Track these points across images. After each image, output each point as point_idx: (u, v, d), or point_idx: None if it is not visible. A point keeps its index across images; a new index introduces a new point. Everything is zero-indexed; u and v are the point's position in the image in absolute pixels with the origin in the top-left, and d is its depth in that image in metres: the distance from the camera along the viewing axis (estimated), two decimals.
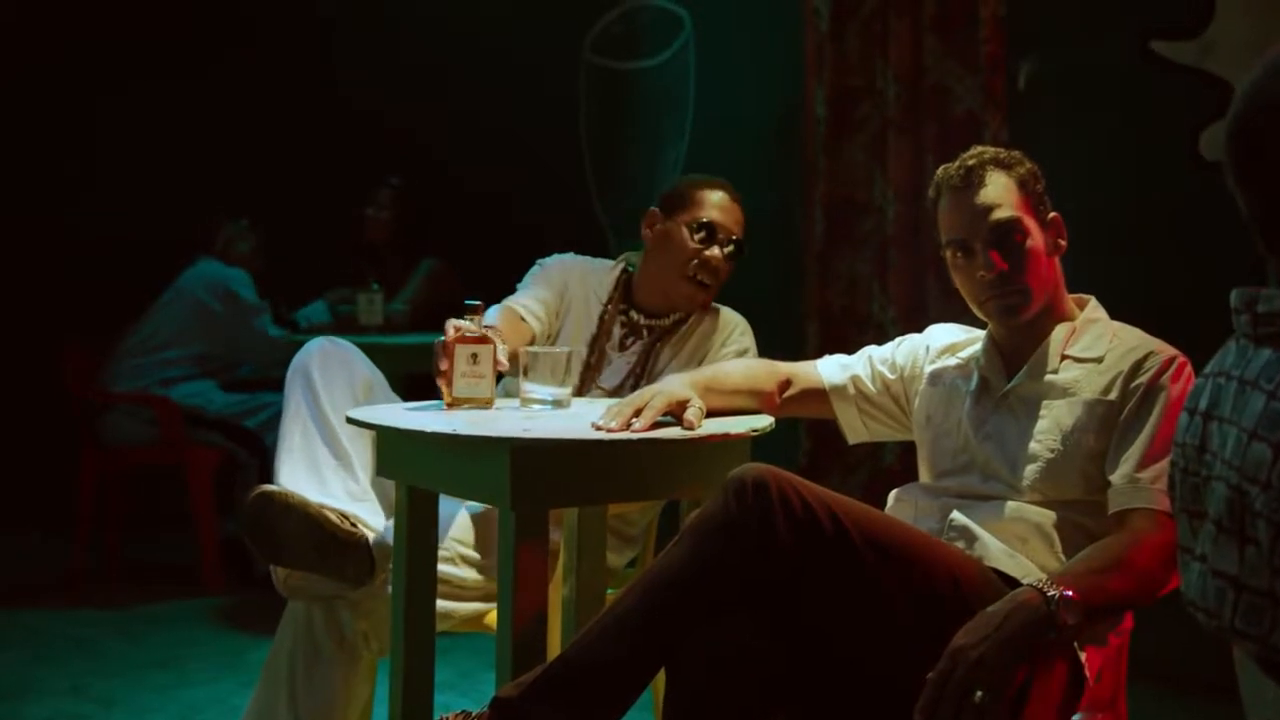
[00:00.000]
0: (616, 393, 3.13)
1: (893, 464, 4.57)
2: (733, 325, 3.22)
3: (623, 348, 3.22)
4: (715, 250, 3.16)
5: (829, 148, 4.72)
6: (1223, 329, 2.32)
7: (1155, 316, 2.53)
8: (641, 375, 3.16)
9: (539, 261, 3.35)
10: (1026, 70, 4.27)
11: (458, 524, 2.98)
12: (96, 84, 6.44)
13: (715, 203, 3.20)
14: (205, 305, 5.51)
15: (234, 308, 5.54)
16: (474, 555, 2.98)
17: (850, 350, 2.81)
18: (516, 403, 2.69)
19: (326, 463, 2.90)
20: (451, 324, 2.66)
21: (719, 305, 3.28)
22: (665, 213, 3.23)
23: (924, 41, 4.48)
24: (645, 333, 3.22)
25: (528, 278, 3.31)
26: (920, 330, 2.78)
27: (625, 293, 3.28)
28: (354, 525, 2.81)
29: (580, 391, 3.12)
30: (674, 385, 2.49)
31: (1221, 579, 1.50)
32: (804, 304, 4.75)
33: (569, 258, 3.36)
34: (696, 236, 3.16)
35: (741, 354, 3.14)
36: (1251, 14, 3.80)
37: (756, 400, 2.65)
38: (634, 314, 3.25)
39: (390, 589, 2.82)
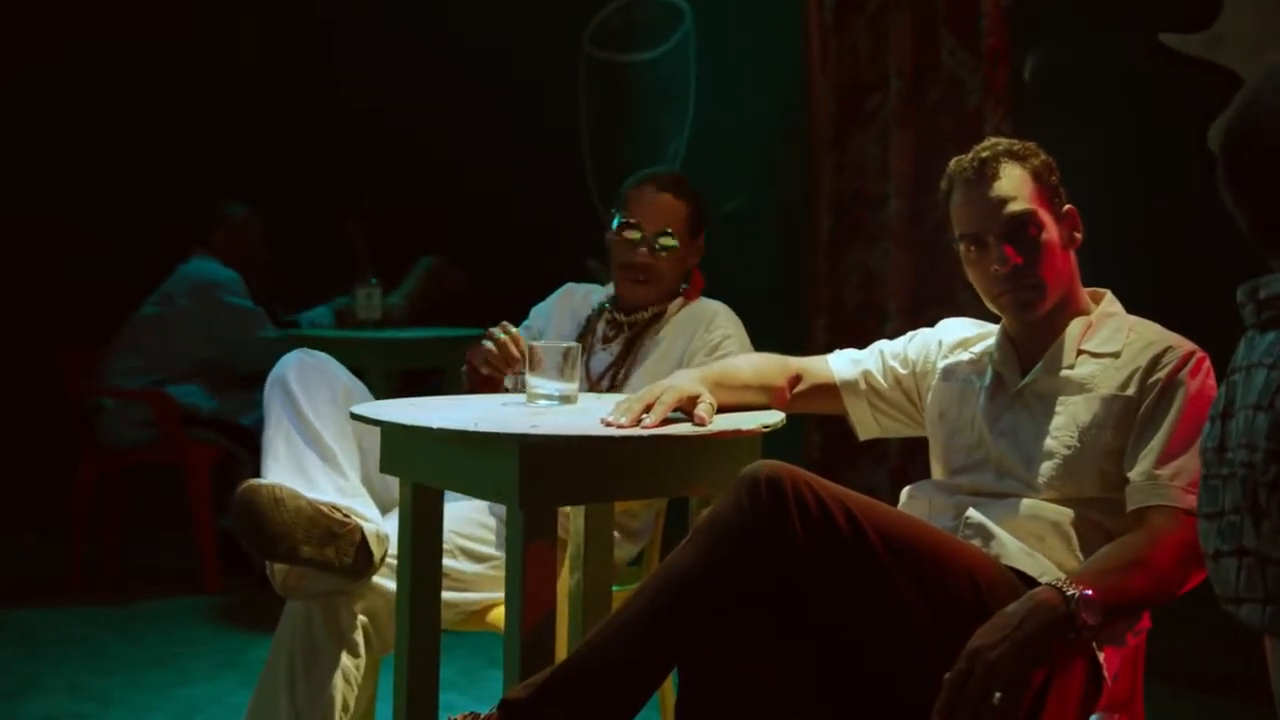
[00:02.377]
0: (602, 379, 3.16)
1: (895, 459, 4.55)
2: (713, 312, 3.22)
3: (606, 340, 3.24)
4: (641, 250, 3.18)
5: (837, 141, 4.69)
6: (1231, 323, 2.30)
7: (1162, 311, 2.49)
8: (623, 365, 3.17)
9: (534, 309, 3.41)
10: (1032, 62, 4.24)
11: (458, 516, 2.94)
12: (96, 84, 6.41)
13: (637, 200, 3.22)
14: (188, 309, 5.43)
15: (220, 311, 5.43)
16: (475, 548, 2.96)
17: (865, 344, 2.78)
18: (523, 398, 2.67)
19: (314, 464, 2.86)
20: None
21: (702, 297, 3.29)
22: (614, 213, 3.29)
23: (938, 33, 4.44)
24: (626, 328, 3.23)
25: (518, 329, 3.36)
26: (919, 325, 2.74)
27: (614, 298, 3.31)
28: (346, 516, 2.78)
29: None
30: (684, 380, 2.45)
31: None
32: (811, 299, 4.71)
33: (563, 290, 3.42)
34: (620, 236, 3.20)
35: (725, 339, 3.12)
36: (1260, 6, 3.76)
37: (766, 396, 2.61)
38: (617, 314, 3.26)
39: (388, 583, 2.80)
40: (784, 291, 4.85)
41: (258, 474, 5.06)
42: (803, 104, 4.80)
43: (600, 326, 3.27)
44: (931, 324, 2.75)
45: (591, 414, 2.40)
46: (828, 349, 2.79)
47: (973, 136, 4.28)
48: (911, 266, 4.53)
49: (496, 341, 2.92)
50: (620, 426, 2.29)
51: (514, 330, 2.96)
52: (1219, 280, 3.76)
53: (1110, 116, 4.07)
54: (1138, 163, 4.01)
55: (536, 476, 2.22)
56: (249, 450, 5.36)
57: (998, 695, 1.96)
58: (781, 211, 5.02)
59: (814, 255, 4.77)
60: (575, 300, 3.37)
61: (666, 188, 3.22)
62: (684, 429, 2.32)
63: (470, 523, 2.98)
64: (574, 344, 2.66)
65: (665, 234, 3.17)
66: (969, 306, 4.34)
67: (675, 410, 2.37)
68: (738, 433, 2.35)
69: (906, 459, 4.50)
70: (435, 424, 2.30)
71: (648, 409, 2.33)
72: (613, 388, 3.13)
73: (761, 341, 3.15)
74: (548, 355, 2.61)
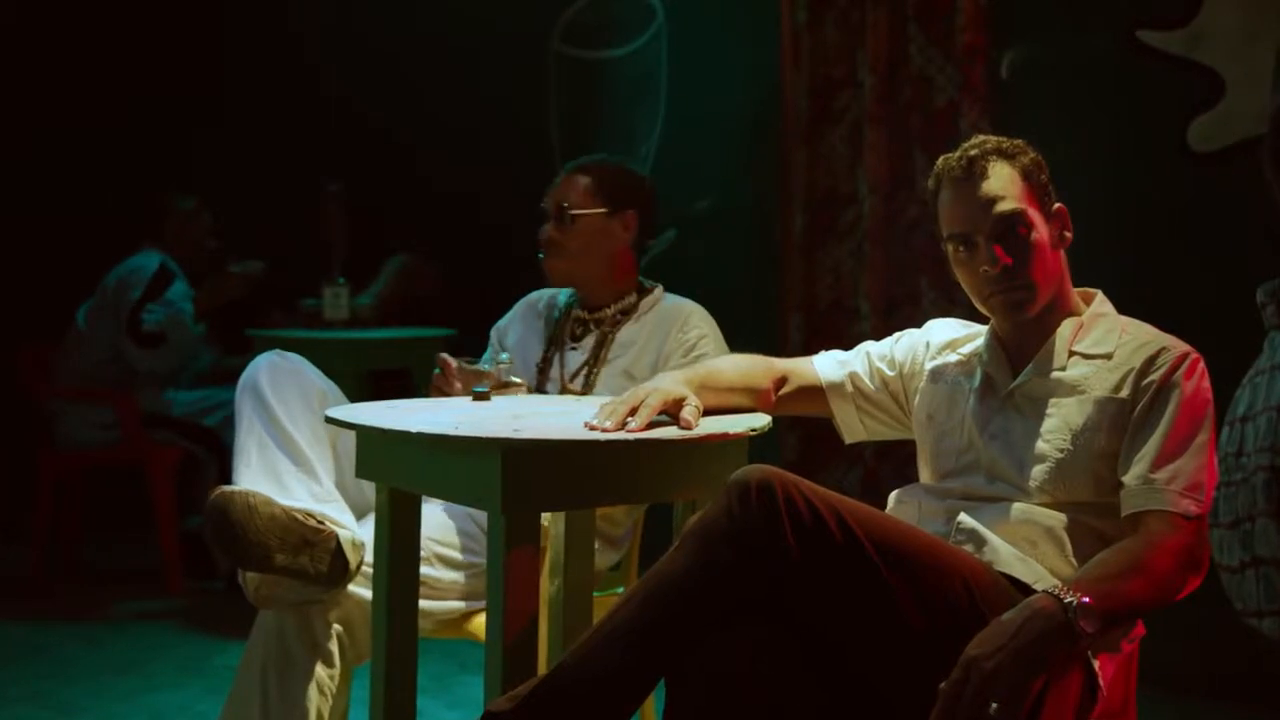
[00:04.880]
0: (574, 379, 3.12)
1: (870, 461, 4.52)
2: (687, 312, 3.17)
3: (575, 339, 3.21)
4: (544, 229, 3.20)
5: (809, 139, 4.65)
6: (1215, 321, 2.26)
7: (1145, 310, 2.44)
8: (595, 364, 3.13)
9: (492, 329, 3.39)
10: (1010, 59, 4.20)
11: (434, 523, 2.88)
12: (72, 81, 6.34)
13: (549, 192, 3.24)
14: (110, 304, 5.32)
15: (126, 309, 5.29)
16: (452, 555, 2.91)
17: (840, 343, 2.73)
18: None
19: (287, 470, 2.79)
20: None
21: (671, 295, 3.25)
22: None
23: (907, 30, 4.41)
24: (593, 325, 3.20)
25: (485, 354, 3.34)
26: (892, 326, 2.70)
27: (575, 297, 3.29)
28: (320, 523, 2.71)
29: (541, 386, 3.16)
30: (668, 383, 2.39)
31: None
32: (784, 298, 4.68)
33: (522, 302, 3.39)
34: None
35: (701, 339, 3.09)
36: (1241, 3, 3.74)
37: (751, 398, 2.55)
38: (580, 312, 3.23)
39: (363, 591, 2.74)
40: (758, 290, 4.81)
41: (221, 475, 5.07)
42: (776, 101, 4.75)
43: (568, 327, 3.24)
44: (905, 324, 2.70)
45: (575, 417, 2.34)
46: (801, 348, 2.75)
47: (940, 135, 4.32)
48: (885, 265, 4.50)
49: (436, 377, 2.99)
50: (605, 430, 2.23)
51: (448, 360, 2.99)
52: (1203, 277, 3.78)
53: (1089, 114, 4.04)
54: (1119, 160, 3.98)
55: (519, 481, 2.17)
56: (211, 451, 5.29)
57: (995, 705, 1.92)
58: (755, 210, 4.98)
59: (787, 254, 4.74)
60: (538, 308, 3.33)
61: (570, 170, 3.24)
62: (670, 432, 2.27)
63: (447, 528, 2.92)
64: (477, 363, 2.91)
65: (561, 208, 3.17)
66: (935, 306, 4.37)
67: (660, 413, 2.32)
68: (725, 436, 2.30)
69: (881, 461, 4.47)
70: (414, 428, 2.24)
71: (633, 412, 2.28)
72: (586, 387, 3.08)
73: (735, 341, 3.11)
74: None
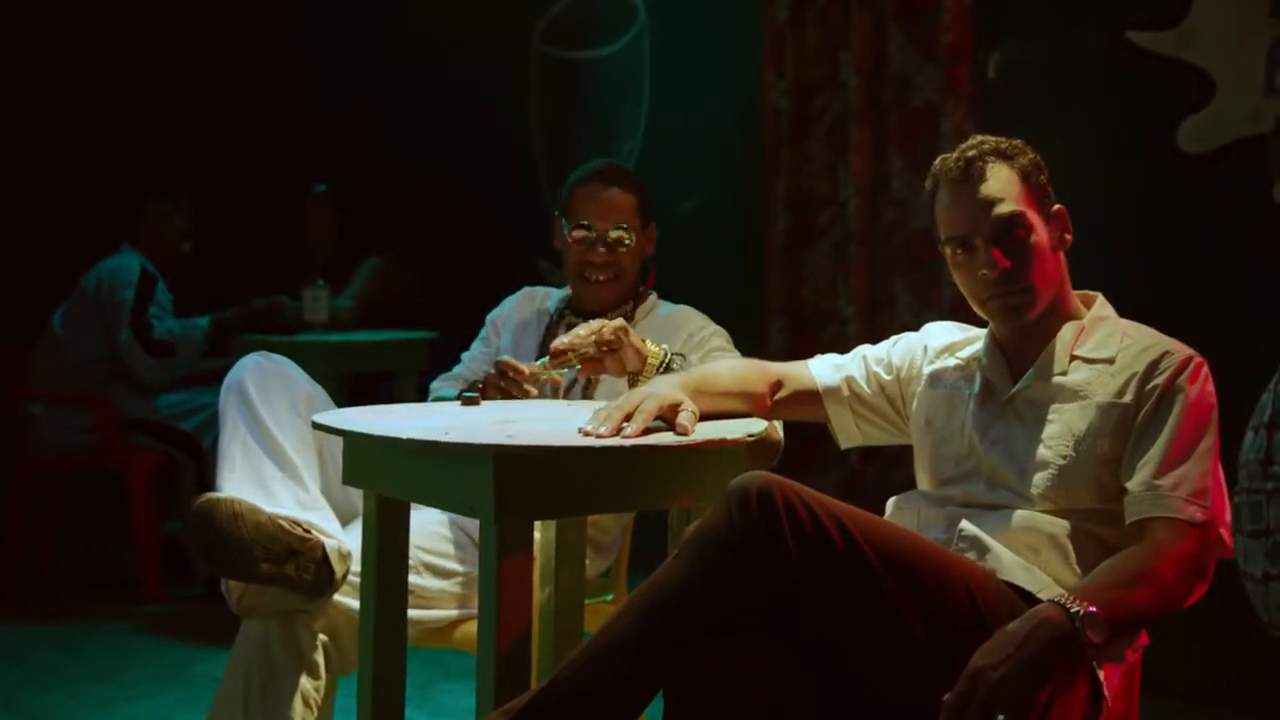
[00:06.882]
0: (571, 388, 3.06)
1: (855, 464, 4.48)
2: (687, 315, 3.14)
3: None
4: (597, 251, 3.08)
5: (792, 141, 4.62)
6: (1205, 322, 2.22)
7: (1134, 312, 2.41)
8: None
9: (489, 317, 3.31)
10: (996, 60, 4.18)
11: (422, 530, 2.83)
12: (56, 84, 6.29)
13: (584, 199, 3.12)
14: (96, 306, 5.26)
15: (119, 309, 5.24)
16: (439, 563, 2.86)
17: (822, 346, 2.69)
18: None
19: (273, 475, 2.74)
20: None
21: (664, 301, 3.21)
22: (561, 217, 3.18)
23: (887, 30, 4.39)
24: None
25: (476, 340, 3.29)
26: (875, 328, 2.66)
27: (569, 302, 3.22)
28: (307, 531, 2.66)
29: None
30: (664, 388, 2.34)
31: None
32: (768, 300, 4.64)
33: (522, 292, 3.32)
34: (575, 238, 3.10)
35: (714, 334, 3.05)
36: (1231, 3, 3.72)
37: (747, 402, 2.51)
38: (576, 320, 3.14)
39: (350, 600, 2.69)
40: (741, 293, 4.77)
41: (200, 480, 5.02)
42: (759, 102, 4.72)
43: (561, 332, 3.16)
44: (887, 326, 2.67)
45: (569, 423, 2.29)
46: (784, 352, 2.71)
47: (919, 136, 4.30)
48: (869, 267, 4.47)
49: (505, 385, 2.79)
50: (599, 436, 2.18)
51: (516, 365, 2.81)
52: (1191, 280, 3.75)
53: (1078, 115, 4.01)
54: (1106, 162, 3.96)
55: (512, 489, 2.12)
56: (189, 455, 5.22)
57: (1001, 717, 1.88)
58: (738, 211, 4.95)
59: (770, 256, 4.70)
60: (534, 305, 3.27)
61: (612, 181, 3.12)
62: (666, 438, 2.22)
63: (433, 536, 2.87)
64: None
65: (619, 228, 3.08)
66: (909, 310, 4.35)
67: (656, 419, 2.27)
68: (722, 442, 2.25)
69: (866, 464, 4.43)
70: (404, 434, 2.19)
71: (628, 418, 2.23)
72: (585, 395, 3.03)
73: None
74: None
